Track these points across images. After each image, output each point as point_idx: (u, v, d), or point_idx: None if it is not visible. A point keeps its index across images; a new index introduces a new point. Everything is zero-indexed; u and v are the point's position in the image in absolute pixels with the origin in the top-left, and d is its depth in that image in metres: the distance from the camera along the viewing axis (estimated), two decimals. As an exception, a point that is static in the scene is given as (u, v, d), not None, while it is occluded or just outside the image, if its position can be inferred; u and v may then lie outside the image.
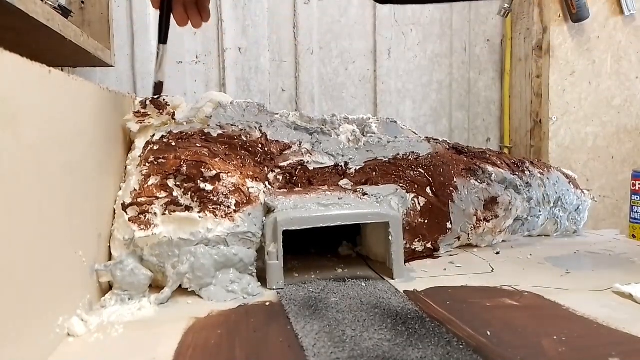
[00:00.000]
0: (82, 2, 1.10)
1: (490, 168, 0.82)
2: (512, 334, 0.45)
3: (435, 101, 1.50)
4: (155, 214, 0.60)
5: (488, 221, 0.80)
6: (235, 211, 0.61)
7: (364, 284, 0.61)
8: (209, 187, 0.62)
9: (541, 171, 0.88)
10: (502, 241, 0.85)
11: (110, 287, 0.58)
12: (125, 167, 0.69)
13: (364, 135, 0.82)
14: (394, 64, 1.46)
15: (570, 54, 1.38)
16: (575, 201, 0.90)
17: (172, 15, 0.66)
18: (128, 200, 0.61)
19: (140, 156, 0.67)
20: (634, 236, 0.88)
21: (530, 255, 0.76)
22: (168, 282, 0.58)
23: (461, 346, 0.43)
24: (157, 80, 0.71)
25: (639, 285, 0.57)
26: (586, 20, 1.35)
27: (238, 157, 0.70)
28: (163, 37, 0.69)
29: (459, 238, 0.79)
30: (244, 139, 0.73)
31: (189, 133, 0.70)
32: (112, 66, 1.16)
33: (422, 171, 0.78)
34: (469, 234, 0.79)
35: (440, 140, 0.90)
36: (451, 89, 1.51)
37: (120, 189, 0.65)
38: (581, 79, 1.39)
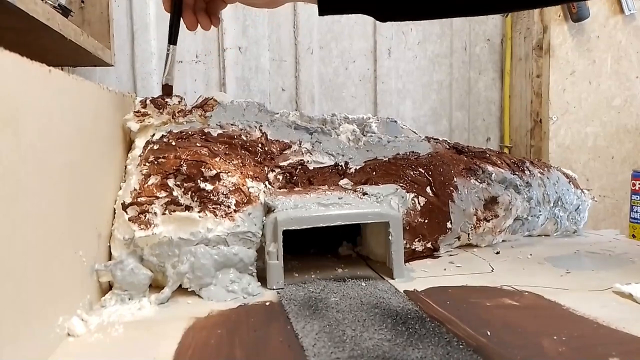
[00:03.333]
0: (82, 2, 1.10)
1: (490, 168, 0.82)
2: (512, 334, 0.45)
3: (435, 101, 1.50)
4: (155, 213, 0.60)
5: (488, 221, 0.80)
6: (235, 211, 0.61)
7: (364, 284, 0.61)
8: (209, 187, 0.62)
9: (541, 171, 0.88)
10: (502, 241, 0.85)
11: (110, 286, 0.58)
12: (125, 167, 0.69)
13: (364, 135, 0.82)
14: (394, 64, 1.46)
15: (570, 53, 1.38)
16: (575, 201, 0.90)
17: (182, 19, 0.67)
18: (128, 200, 0.61)
19: (140, 156, 0.67)
20: (634, 236, 0.88)
21: (530, 255, 0.76)
22: (168, 281, 0.58)
23: (461, 346, 0.43)
24: (165, 82, 0.71)
25: (639, 285, 0.57)
26: (586, 20, 1.35)
27: (238, 156, 0.70)
28: (173, 39, 0.69)
29: (459, 238, 0.79)
30: (244, 138, 0.73)
31: (189, 132, 0.70)
32: (112, 65, 1.16)
33: (422, 171, 0.78)
34: (469, 234, 0.79)
35: (440, 140, 0.90)
36: (451, 88, 1.51)
37: (120, 188, 0.65)
38: (581, 79, 1.39)
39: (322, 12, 0.61)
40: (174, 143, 0.68)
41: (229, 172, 0.65)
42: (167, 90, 0.72)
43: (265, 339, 0.45)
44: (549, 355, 0.41)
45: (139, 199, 0.61)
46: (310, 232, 0.63)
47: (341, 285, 0.61)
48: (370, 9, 0.60)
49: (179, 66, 1.36)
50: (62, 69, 0.66)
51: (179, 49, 1.35)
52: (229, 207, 0.61)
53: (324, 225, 0.62)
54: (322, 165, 0.76)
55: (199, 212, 0.60)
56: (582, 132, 1.41)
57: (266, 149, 0.74)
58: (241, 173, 0.66)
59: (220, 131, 0.71)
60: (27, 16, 0.64)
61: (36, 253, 0.41)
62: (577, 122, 1.40)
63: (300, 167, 0.75)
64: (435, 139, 0.89)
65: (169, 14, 0.70)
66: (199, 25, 0.69)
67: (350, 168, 0.78)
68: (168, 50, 0.71)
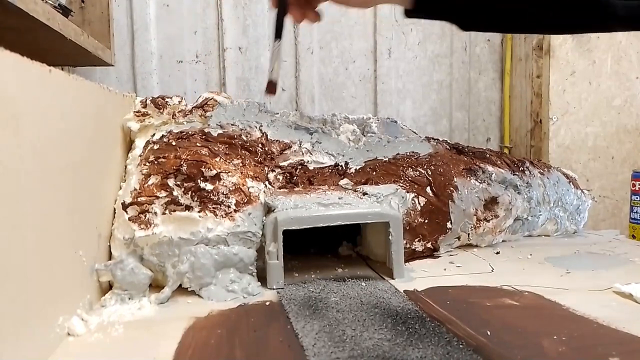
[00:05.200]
0: (82, 1, 1.10)
1: (490, 168, 0.82)
2: (512, 334, 0.45)
3: (435, 101, 1.50)
4: (155, 213, 0.60)
5: (488, 221, 0.80)
6: (235, 211, 0.61)
7: (364, 284, 0.61)
8: (209, 187, 0.62)
9: (541, 171, 0.88)
10: (502, 241, 0.85)
11: (110, 286, 0.58)
12: (126, 167, 0.69)
13: (364, 135, 0.82)
14: (394, 64, 1.46)
15: (571, 54, 1.38)
16: (575, 201, 0.90)
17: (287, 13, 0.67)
18: (128, 200, 0.61)
19: (140, 155, 0.67)
20: (633, 236, 0.87)
21: (530, 255, 0.76)
22: (168, 281, 0.58)
23: (461, 346, 0.43)
24: (270, 79, 0.69)
25: (639, 285, 0.57)
26: (586, 20, 1.34)
27: (238, 156, 0.70)
28: (279, 33, 0.68)
29: (459, 238, 0.79)
30: (245, 138, 0.73)
31: (189, 132, 0.70)
32: (112, 65, 1.16)
33: (422, 171, 0.78)
34: (469, 234, 0.79)
35: (441, 140, 0.90)
36: (451, 89, 1.51)
37: (121, 188, 0.65)
38: (581, 79, 1.39)
39: (408, 16, 0.63)
40: (174, 143, 0.68)
41: (229, 172, 0.65)
42: (272, 87, 0.69)
43: (265, 339, 0.45)
44: (549, 355, 0.41)
45: (139, 199, 0.61)
46: (310, 232, 0.63)
47: (341, 285, 0.61)
48: (454, 18, 0.64)
49: (179, 66, 1.36)
50: (62, 69, 0.66)
51: (180, 48, 1.35)
52: (229, 207, 0.61)
53: (324, 225, 0.62)
54: (322, 165, 0.76)
55: (199, 211, 0.60)
56: (582, 133, 1.40)
57: (266, 149, 0.74)
58: (241, 173, 0.66)
59: (220, 131, 0.71)
60: (27, 16, 0.64)
61: (36, 253, 0.41)
62: (577, 122, 1.40)
63: (300, 167, 0.75)
64: (435, 139, 0.89)
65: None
66: (304, 19, 0.69)
67: (351, 168, 0.78)
68: (274, 46, 0.69)
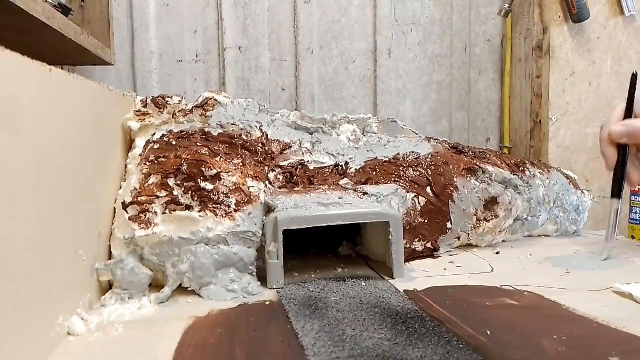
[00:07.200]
0: (83, 1, 1.10)
1: (490, 168, 0.82)
2: (512, 334, 0.45)
3: (435, 101, 1.50)
4: (155, 213, 0.60)
5: (488, 221, 0.80)
6: (235, 210, 0.61)
7: (364, 284, 0.61)
8: (209, 187, 0.62)
9: (541, 171, 0.88)
10: (502, 241, 0.85)
11: (110, 286, 0.58)
12: (126, 166, 0.69)
13: (365, 135, 0.82)
14: (394, 64, 1.46)
15: (571, 54, 1.38)
16: (576, 202, 0.90)
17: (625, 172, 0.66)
18: (128, 199, 0.61)
19: (140, 155, 0.67)
20: (633, 237, 0.87)
21: (530, 255, 0.76)
22: (168, 281, 0.57)
23: (461, 345, 0.43)
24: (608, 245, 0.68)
25: (639, 285, 0.57)
26: (586, 21, 1.35)
27: (239, 156, 0.70)
28: (617, 192, 0.66)
29: (459, 238, 0.79)
30: (245, 138, 0.73)
31: (190, 132, 0.70)
32: (112, 65, 1.16)
33: (423, 171, 0.78)
34: (469, 234, 0.79)
35: (441, 140, 0.90)
36: (451, 89, 1.51)
37: (121, 187, 0.65)
38: (581, 80, 1.39)
39: None
40: (174, 142, 0.68)
41: (229, 171, 0.65)
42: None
43: (265, 339, 0.45)
44: (549, 355, 0.41)
45: (139, 199, 0.61)
46: (311, 232, 0.63)
47: (341, 284, 0.61)
48: None
49: (179, 65, 1.36)
50: (62, 68, 0.66)
51: (180, 48, 1.35)
52: (229, 206, 0.61)
53: (324, 225, 0.62)
54: (322, 165, 0.76)
55: (199, 211, 0.60)
56: (582, 133, 1.41)
57: (267, 148, 0.74)
58: (242, 173, 0.66)
59: (220, 131, 0.72)
60: (27, 15, 0.64)
61: (36, 253, 0.41)
62: (577, 123, 1.40)
63: (300, 167, 0.75)
64: (435, 139, 0.89)
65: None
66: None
67: (351, 168, 0.78)
68: (612, 206, 0.67)
